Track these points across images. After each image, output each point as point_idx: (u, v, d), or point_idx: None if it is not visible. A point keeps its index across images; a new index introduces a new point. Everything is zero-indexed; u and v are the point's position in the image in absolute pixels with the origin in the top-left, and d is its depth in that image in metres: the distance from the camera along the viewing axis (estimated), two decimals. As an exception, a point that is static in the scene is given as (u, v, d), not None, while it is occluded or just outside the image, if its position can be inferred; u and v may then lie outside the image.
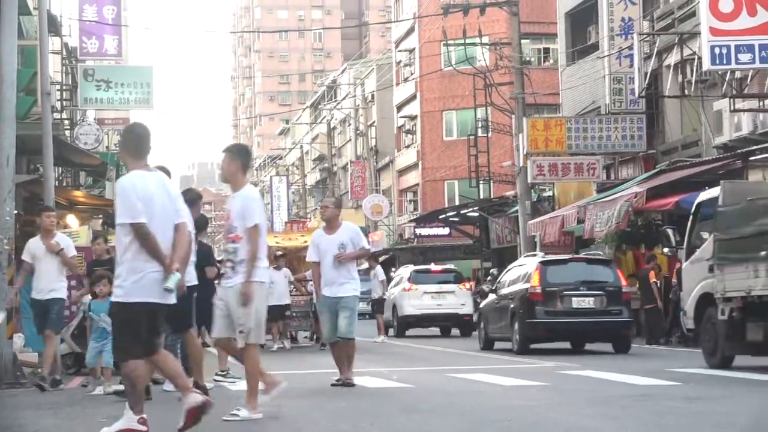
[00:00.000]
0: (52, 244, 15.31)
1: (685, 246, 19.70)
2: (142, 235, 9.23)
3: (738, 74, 28.58)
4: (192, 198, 14.89)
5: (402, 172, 68.27)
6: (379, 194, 67.39)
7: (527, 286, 23.57)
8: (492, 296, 26.38)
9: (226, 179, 11.63)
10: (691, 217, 19.63)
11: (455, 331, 35.95)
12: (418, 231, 61.69)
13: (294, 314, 28.20)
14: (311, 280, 26.28)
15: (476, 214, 50.42)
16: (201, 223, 16.33)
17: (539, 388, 14.29)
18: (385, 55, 77.00)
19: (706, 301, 17.76)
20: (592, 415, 10.90)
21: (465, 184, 54.63)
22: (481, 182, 51.38)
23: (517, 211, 41.03)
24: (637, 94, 33.07)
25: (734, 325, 16.70)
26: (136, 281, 9.21)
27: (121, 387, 14.10)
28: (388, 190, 69.83)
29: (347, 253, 14.87)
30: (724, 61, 25.84)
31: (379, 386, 14.96)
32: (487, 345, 25.67)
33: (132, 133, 9.76)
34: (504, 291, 25.18)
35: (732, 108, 28.57)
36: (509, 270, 26.43)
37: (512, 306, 23.93)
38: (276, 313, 26.40)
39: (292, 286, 27.65)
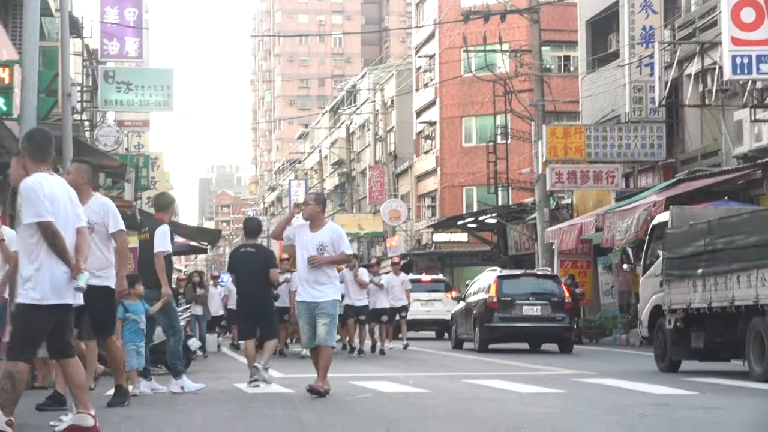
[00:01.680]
0: None
1: (642, 263, 22.10)
2: (51, 234, 9.22)
3: (759, 84, 28.51)
4: (166, 202, 15.18)
5: (420, 177, 68.26)
6: (398, 199, 67.39)
7: (486, 296, 28.31)
8: (461, 303, 30.96)
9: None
10: (647, 237, 22.23)
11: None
12: (435, 237, 61.67)
13: None
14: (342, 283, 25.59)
15: (494, 221, 50.40)
16: (254, 228, 17.21)
17: (555, 396, 14.28)
18: (405, 60, 77.00)
19: (657, 312, 20.09)
20: (607, 423, 10.88)
21: (483, 190, 54.59)
22: (499, 189, 51.37)
23: (535, 219, 41.02)
24: (657, 103, 33.01)
25: (679, 334, 18.91)
26: (51, 283, 9.22)
27: (137, 391, 14.18)
28: (407, 196, 69.82)
29: (323, 256, 13.94)
30: (746, 71, 25.81)
31: (395, 391, 14.95)
32: (457, 344, 30.50)
33: (33, 138, 9.82)
34: (470, 299, 29.80)
35: (753, 118, 28.51)
36: (474, 282, 30.99)
37: (474, 312, 28.62)
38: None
39: None
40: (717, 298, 17.55)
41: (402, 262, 32.01)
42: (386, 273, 29.97)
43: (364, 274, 26.57)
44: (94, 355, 12.50)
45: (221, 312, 31.19)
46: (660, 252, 20.15)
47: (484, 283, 29.53)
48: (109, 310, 12.02)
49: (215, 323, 32.20)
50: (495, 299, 27.90)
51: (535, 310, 27.94)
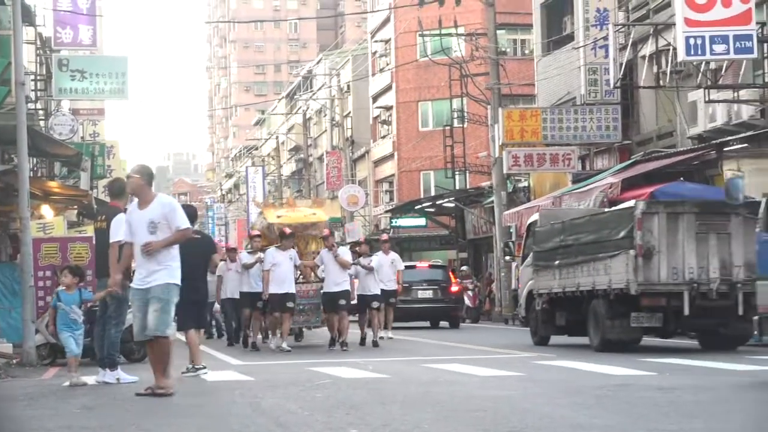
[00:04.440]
0: None
1: (521, 254, 26.25)
2: None
3: (713, 65, 28.66)
4: (120, 188, 15.05)
5: (378, 162, 68.24)
6: (355, 185, 67.34)
7: None
8: None
9: None
10: (526, 232, 26.24)
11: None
12: (395, 222, 61.70)
13: (301, 307, 23.42)
14: (322, 266, 22.93)
15: (452, 205, 50.48)
16: (191, 214, 16.58)
17: (514, 379, 14.34)
18: (361, 45, 76.89)
19: (531, 296, 24.02)
20: (566, 405, 10.94)
21: (441, 174, 54.65)
22: (456, 173, 51.42)
23: (492, 202, 41.10)
24: (612, 85, 33.14)
25: (546, 314, 22.94)
26: None
27: (84, 380, 14.12)
28: (364, 181, 69.80)
29: (158, 241, 12.33)
30: (699, 52, 25.94)
31: (354, 377, 14.96)
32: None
33: None
34: None
35: (707, 99, 28.67)
36: None
37: None
38: (277, 304, 22.22)
39: (299, 272, 23.25)
40: (569, 284, 21.59)
41: (362, 245, 28.37)
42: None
43: (345, 253, 23.24)
44: None
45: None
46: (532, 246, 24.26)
47: None
48: None
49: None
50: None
51: (427, 294, 34.93)
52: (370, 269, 24.41)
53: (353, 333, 24.23)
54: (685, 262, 19.15)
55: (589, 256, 20.70)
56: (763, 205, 14.37)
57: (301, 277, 23.65)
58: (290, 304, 22.22)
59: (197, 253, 15.50)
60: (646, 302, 19.38)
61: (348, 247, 26.26)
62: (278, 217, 25.30)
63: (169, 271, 12.41)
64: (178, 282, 12.58)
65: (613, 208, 22.47)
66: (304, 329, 25.88)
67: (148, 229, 12.35)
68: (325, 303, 22.91)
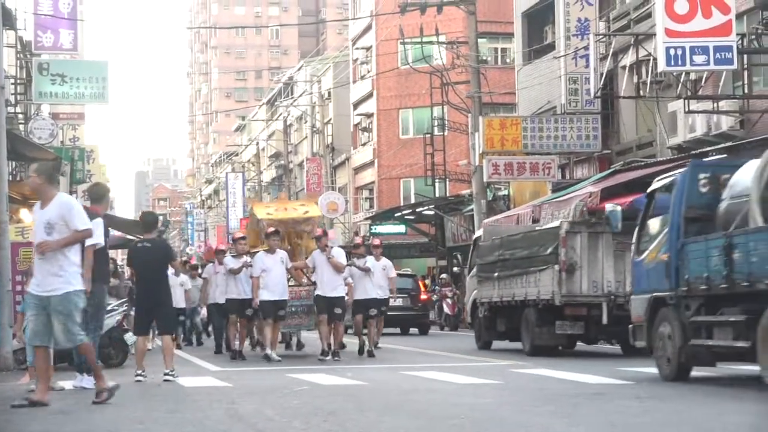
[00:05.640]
0: None
1: (468, 266, 28.60)
2: None
3: (692, 76, 28.74)
4: (101, 194, 15.08)
5: (358, 169, 68.23)
6: (335, 192, 67.26)
7: None
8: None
9: None
10: (472, 245, 28.98)
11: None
12: (374, 229, 61.70)
13: (293, 309, 21.87)
14: (314, 268, 21.34)
15: (432, 213, 50.49)
16: (149, 222, 16.59)
17: (492, 387, 14.35)
18: (342, 52, 76.89)
19: (475, 304, 26.09)
20: (543, 413, 10.95)
21: (421, 182, 54.65)
22: (437, 181, 51.40)
23: (472, 210, 41.12)
24: (592, 95, 33.18)
25: (489, 320, 24.96)
26: None
27: (61, 384, 14.07)
28: (344, 188, 69.77)
29: (52, 241, 11.73)
30: (679, 63, 25.98)
31: (333, 383, 14.96)
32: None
33: None
34: None
35: (686, 109, 28.75)
36: None
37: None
38: (268, 312, 20.83)
39: (289, 275, 21.56)
40: (506, 294, 23.62)
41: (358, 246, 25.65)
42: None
43: (340, 254, 21.56)
44: None
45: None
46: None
47: None
48: None
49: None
50: None
51: (398, 302, 34.47)
52: (366, 270, 22.58)
53: (350, 342, 23.63)
54: (603, 276, 21.21)
55: (522, 269, 22.77)
56: (636, 233, 16.51)
57: (291, 280, 21.85)
58: (282, 313, 20.88)
59: (150, 260, 15.79)
60: (569, 312, 21.46)
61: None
62: (268, 214, 23.73)
63: (66, 277, 11.82)
64: (80, 287, 12.01)
65: (543, 227, 24.39)
66: (298, 336, 24.19)
67: (44, 230, 11.80)
68: (318, 306, 21.09)
